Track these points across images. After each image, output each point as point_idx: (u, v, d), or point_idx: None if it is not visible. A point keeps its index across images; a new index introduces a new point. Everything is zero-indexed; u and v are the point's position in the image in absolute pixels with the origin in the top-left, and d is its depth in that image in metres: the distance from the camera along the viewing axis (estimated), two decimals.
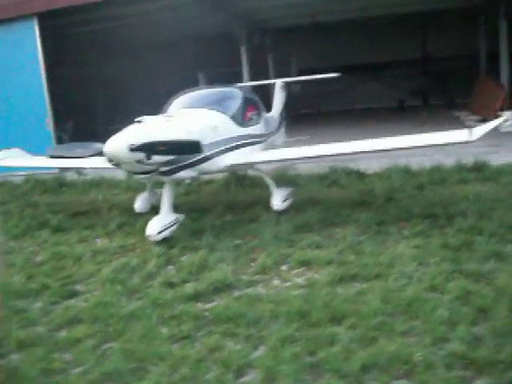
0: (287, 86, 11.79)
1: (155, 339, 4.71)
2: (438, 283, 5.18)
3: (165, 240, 7.12)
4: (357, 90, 20.95)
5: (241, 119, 8.23)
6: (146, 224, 7.26)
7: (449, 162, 10.16)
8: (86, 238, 7.84)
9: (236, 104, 8.32)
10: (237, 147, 7.91)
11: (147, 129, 6.57)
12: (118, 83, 21.14)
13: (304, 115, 21.97)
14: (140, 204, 8.68)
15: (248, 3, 15.95)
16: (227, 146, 7.67)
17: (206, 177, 10.10)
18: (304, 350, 4.27)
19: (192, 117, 7.54)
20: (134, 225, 8.02)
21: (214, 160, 7.42)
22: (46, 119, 13.84)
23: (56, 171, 12.16)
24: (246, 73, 16.75)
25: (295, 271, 5.98)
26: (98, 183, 11.16)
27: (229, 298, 5.38)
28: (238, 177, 10.26)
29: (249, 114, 8.62)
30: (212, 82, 17.74)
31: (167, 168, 6.84)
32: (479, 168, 9.53)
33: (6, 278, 6.33)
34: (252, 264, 6.24)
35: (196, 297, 5.48)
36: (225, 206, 8.49)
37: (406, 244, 6.32)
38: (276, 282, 5.77)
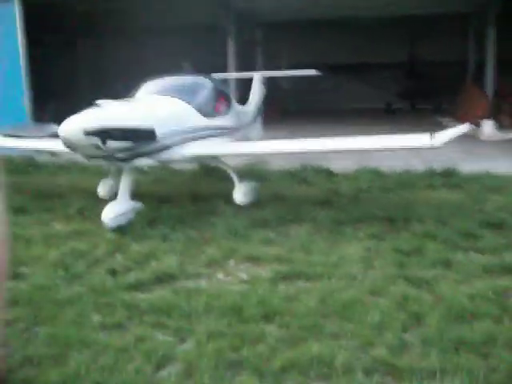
0: (266, 80, 11.71)
1: (85, 326, 4.62)
2: (380, 287, 5.12)
3: (119, 227, 7.03)
4: (346, 90, 20.87)
5: (206, 110, 8.12)
6: None
7: (423, 166, 10.14)
8: (44, 220, 7.71)
9: (203, 94, 8.22)
10: (201, 138, 7.80)
11: (104, 113, 6.46)
12: (105, 66, 21.00)
13: (292, 112, 21.92)
14: (103, 189, 8.58)
15: None
16: (189, 136, 7.57)
17: (178, 166, 10.07)
18: (229, 346, 4.19)
19: (153, 104, 7.44)
20: (94, 210, 7.87)
21: (174, 149, 7.32)
22: (23, 97, 13.68)
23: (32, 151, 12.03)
24: (231, 65, 16.61)
25: (241, 266, 5.91)
26: (69, 166, 11.04)
27: (168, 289, 5.30)
28: (208, 168, 10.16)
29: (216, 105, 8.52)
30: (197, 71, 17.63)
31: (123, 154, 6.74)
32: (449, 174, 9.50)
33: None
34: (201, 256, 6.16)
35: (136, 286, 5.38)
36: (189, 197, 8.41)
37: (357, 245, 6.26)
38: (220, 275, 5.68)
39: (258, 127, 11.26)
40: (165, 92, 7.91)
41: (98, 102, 6.65)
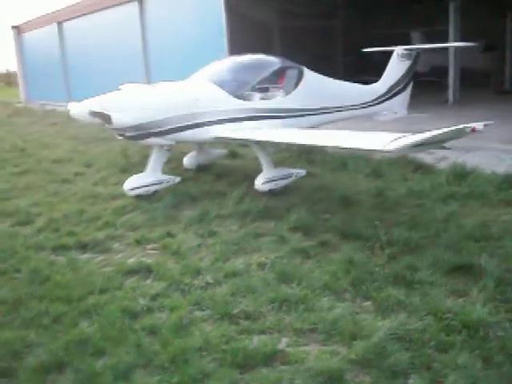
0: (413, 55, 9.82)
1: None
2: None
3: (138, 196, 7.55)
4: None
5: (247, 93, 7.68)
6: None
7: None
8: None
9: (246, 77, 7.75)
10: (234, 120, 7.46)
11: (108, 97, 7.01)
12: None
13: None
14: (188, 161, 9.15)
15: None
16: (215, 119, 7.36)
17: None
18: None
19: (174, 88, 7.52)
20: None
21: (193, 131, 7.30)
22: None
23: None
24: (452, 32, 13.96)
25: (149, 252, 5.78)
26: None
27: (67, 256, 5.66)
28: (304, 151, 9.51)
29: (271, 88, 7.92)
30: (426, 41, 15.62)
31: (132, 134, 7.17)
32: None
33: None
34: (139, 234, 6.21)
35: (57, 249, 5.92)
36: (241, 177, 8.28)
37: (265, 257, 5.28)
38: (119, 256, 5.71)
39: (392, 107, 9.72)
40: (206, 75, 7.83)
41: (121, 86, 7.25)
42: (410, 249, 5.12)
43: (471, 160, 8.46)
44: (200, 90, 7.51)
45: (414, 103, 13.23)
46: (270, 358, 3.64)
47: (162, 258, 5.51)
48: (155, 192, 7.65)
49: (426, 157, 8.82)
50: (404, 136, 4.92)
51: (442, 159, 8.71)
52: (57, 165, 10.55)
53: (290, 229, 5.95)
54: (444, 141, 4.93)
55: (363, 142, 5.38)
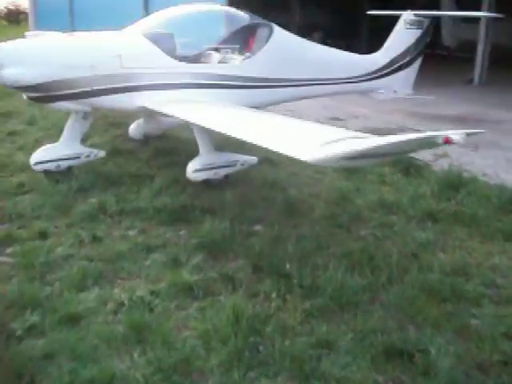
0: (425, 24, 7.74)
1: None
2: None
3: (46, 172, 5.94)
4: None
5: (191, 53, 5.85)
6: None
7: None
8: None
9: (194, 33, 5.90)
10: (168, 87, 5.71)
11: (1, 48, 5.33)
12: None
13: None
14: (133, 130, 7.47)
15: None
16: (141, 83, 5.60)
17: None
18: None
19: (91, 40, 5.72)
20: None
21: (111, 97, 5.58)
22: None
23: None
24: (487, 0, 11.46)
25: None
26: None
27: None
28: None
29: (222, 49, 6.05)
30: (457, 9, 13.21)
31: (34, 94, 5.53)
32: None
33: None
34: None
35: None
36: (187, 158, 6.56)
37: (130, 294, 3.65)
38: None
39: (391, 85, 7.75)
40: (145, 28, 5.96)
41: (28, 33, 5.55)
42: (339, 305, 3.41)
43: (478, 161, 6.58)
44: (125, 44, 5.71)
45: (432, 81, 11.32)
46: None
47: (6, 274, 3.94)
48: (69, 168, 6.05)
49: (423, 151, 6.92)
50: (334, 141, 3.12)
51: (441, 156, 6.81)
52: (0, 119, 9.07)
53: (194, 245, 4.27)
54: (403, 153, 3.13)
55: (285, 142, 3.60)
